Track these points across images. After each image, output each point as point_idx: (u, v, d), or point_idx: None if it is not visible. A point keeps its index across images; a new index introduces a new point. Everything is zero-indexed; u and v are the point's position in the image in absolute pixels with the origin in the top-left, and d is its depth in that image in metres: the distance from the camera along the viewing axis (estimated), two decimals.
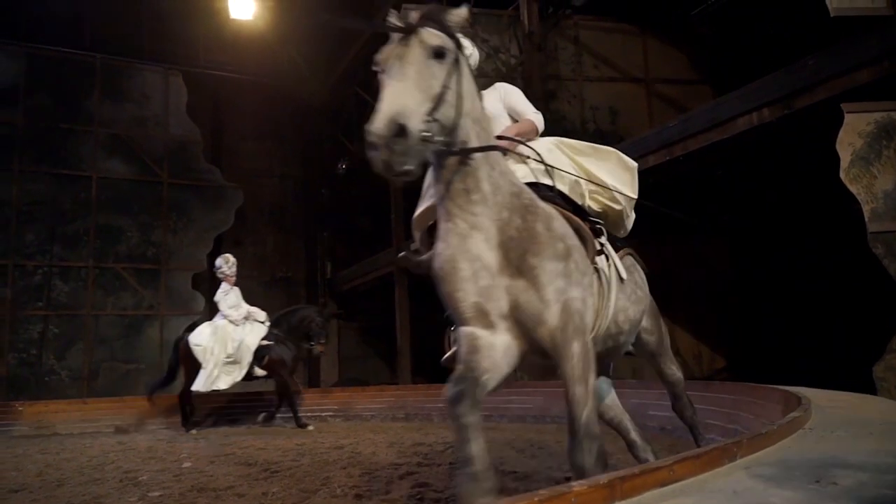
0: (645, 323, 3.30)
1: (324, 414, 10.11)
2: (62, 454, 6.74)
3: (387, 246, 13.16)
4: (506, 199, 2.25)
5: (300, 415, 8.74)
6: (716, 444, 1.98)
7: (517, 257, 2.19)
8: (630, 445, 3.36)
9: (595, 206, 2.93)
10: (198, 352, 8.65)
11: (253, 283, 15.32)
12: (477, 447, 1.97)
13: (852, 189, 5.73)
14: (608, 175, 2.96)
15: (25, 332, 12.55)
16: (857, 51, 5.76)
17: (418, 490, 3.76)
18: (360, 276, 14.67)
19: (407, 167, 1.87)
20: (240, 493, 3.98)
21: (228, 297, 9.02)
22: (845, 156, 5.77)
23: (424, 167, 2.22)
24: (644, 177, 8.42)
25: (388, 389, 10.62)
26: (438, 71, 2.07)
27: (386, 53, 2.13)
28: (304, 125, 16.56)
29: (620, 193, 2.95)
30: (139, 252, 13.70)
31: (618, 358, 3.30)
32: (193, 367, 8.67)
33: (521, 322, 2.20)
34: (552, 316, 2.15)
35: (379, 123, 1.82)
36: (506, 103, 3.13)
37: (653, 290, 3.26)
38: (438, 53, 2.09)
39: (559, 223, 2.38)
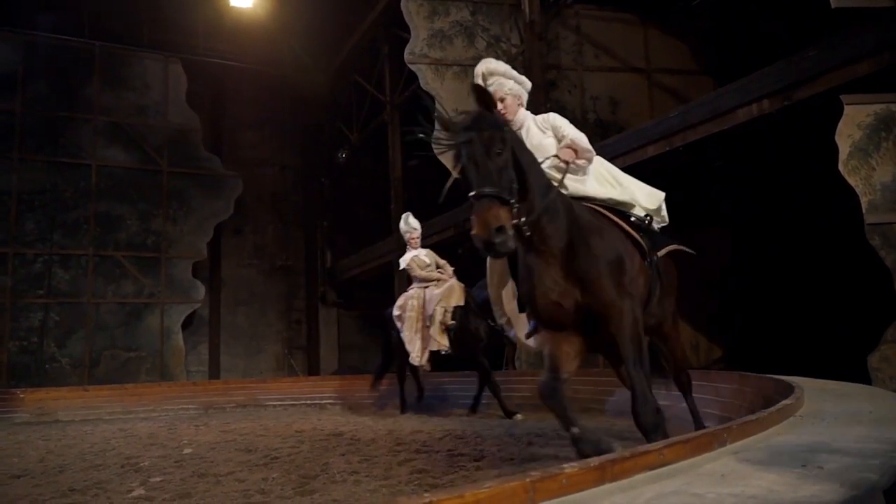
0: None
1: (323, 401, 10.17)
2: (63, 441, 6.80)
3: (386, 235, 13.19)
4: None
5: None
6: (706, 430, 2.01)
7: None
8: None
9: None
10: None
11: (253, 272, 15.40)
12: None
13: (850, 181, 5.74)
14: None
15: (26, 319, 12.60)
16: (857, 43, 5.76)
17: (416, 476, 3.80)
18: (360, 264, 14.70)
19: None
20: (240, 479, 4.02)
21: None
22: (844, 147, 5.77)
23: None
24: (644, 167, 8.39)
25: (386, 378, 10.65)
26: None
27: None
28: (304, 114, 16.55)
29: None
30: (139, 240, 13.73)
31: None
32: None
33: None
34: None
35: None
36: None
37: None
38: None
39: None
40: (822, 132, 6.07)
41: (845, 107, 5.75)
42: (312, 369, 15.31)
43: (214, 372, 14.61)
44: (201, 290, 13.99)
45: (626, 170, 3.64)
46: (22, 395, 9.95)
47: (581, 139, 3.55)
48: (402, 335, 7.56)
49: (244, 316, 15.21)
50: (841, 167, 5.75)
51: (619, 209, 3.50)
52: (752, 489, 1.35)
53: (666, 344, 4.00)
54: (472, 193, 2.67)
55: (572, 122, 3.70)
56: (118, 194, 13.61)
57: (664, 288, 3.59)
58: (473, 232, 2.62)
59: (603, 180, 3.65)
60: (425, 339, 7.35)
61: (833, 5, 5.80)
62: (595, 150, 3.59)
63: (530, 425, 6.13)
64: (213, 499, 3.54)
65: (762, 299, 10.77)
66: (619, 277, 3.04)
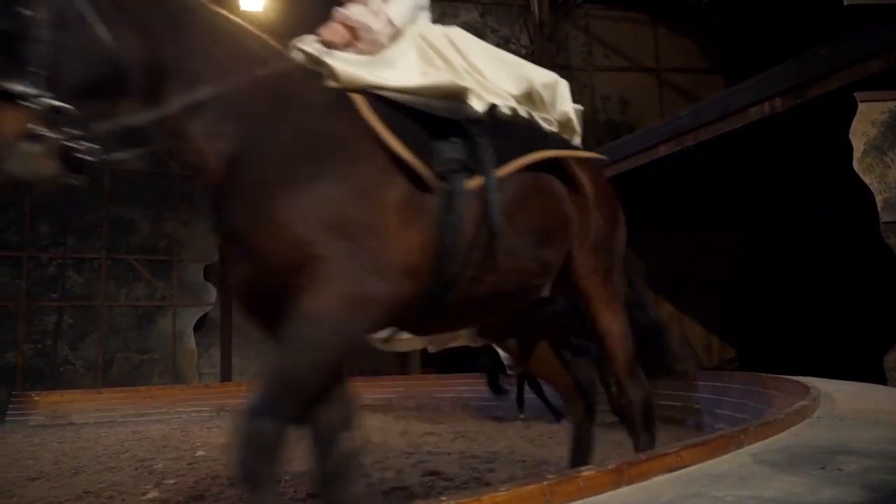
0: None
1: None
2: (78, 443, 6.85)
3: None
4: None
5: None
6: (723, 431, 2.00)
7: None
8: None
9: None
10: None
11: None
12: None
13: (865, 179, 5.69)
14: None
15: (40, 322, 12.70)
16: (870, 39, 5.70)
17: (429, 478, 3.80)
18: None
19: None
20: None
21: None
22: (858, 145, 5.72)
23: None
24: (655, 167, 8.33)
25: (397, 379, 10.67)
26: None
27: None
28: None
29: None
30: (151, 243, 13.81)
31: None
32: None
33: None
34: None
35: None
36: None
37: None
38: None
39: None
40: (835, 130, 6.02)
41: (859, 104, 5.70)
42: None
43: (226, 374, 14.64)
44: (213, 293, 14.04)
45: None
46: (37, 398, 10.03)
47: (383, 14, 2.24)
48: None
49: None
50: (855, 165, 5.70)
51: (435, 105, 2.03)
52: (771, 491, 1.33)
53: (591, 322, 2.46)
54: None
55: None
56: (130, 198, 13.69)
57: (524, 226, 2.14)
58: None
59: (436, 59, 2.23)
60: None
61: (845, 2, 5.76)
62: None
63: (542, 427, 6.11)
64: (226, 501, 3.56)
65: (775, 299, 10.70)
66: (327, 214, 1.74)
